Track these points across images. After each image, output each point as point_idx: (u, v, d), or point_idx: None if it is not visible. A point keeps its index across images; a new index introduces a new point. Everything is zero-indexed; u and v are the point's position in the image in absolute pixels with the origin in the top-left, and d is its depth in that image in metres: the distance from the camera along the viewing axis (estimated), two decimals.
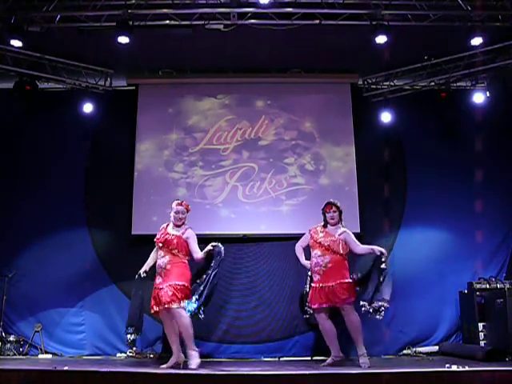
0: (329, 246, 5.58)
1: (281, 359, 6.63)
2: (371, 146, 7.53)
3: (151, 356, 6.61)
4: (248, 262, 7.16)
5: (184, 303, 5.16)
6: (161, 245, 5.41)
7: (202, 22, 6.35)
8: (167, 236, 5.43)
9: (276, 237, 7.17)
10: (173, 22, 6.34)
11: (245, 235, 7.20)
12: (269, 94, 7.70)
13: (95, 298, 7.04)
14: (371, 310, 5.44)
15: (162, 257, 5.36)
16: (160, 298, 5.20)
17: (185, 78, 7.75)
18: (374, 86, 7.73)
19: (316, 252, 5.61)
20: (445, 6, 6.13)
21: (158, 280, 5.33)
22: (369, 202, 7.33)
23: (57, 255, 7.07)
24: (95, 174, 7.43)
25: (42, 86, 7.37)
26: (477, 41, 6.24)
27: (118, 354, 6.79)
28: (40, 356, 6.67)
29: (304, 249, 5.89)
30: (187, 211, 5.59)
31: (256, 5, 6.11)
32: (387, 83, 7.65)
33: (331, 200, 5.82)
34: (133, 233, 7.14)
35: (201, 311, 5.23)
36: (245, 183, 7.39)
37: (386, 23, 6.10)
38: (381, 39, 6.13)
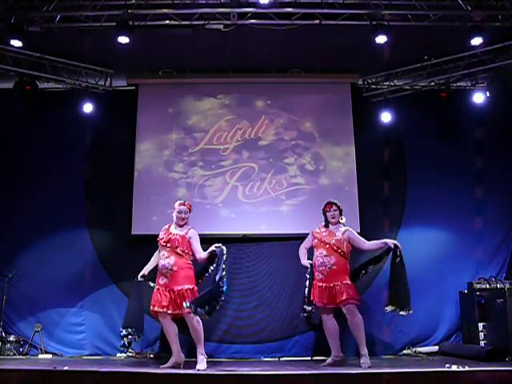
0: (334, 244, 5.60)
1: (281, 359, 6.63)
2: (371, 146, 7.53)
3: (151, 356, 6.61)
4: (248, 262, 7.16)
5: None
6: (164, 244, 5.40)
7: (202, 22, 6.35)
8: (171, 236, 5.42)
9: (276, 237, 7.17)
10: (173, 22, 6.33)
11: (245, 235, 7.20)
12: (269, 93, 7.69)
13: (95, 298, 7.04)
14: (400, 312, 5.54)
15: (167, 257, 5.34)
16: (176, 302, 5.20)
17: (185, 77, 7.75)
18: (374, 86, 7.72)
19: (321, 251, 5.62)
20: (445, 6, 6.13)
21: (163, 281, 5.31)
22: (369, 202, 7.33)
23: (57, 255, 7.07)
24: (95, 174, 7.43)
25: (42, 86, 7.37)
26: (477, 41, 6.23)
27: (118, 354, 6.79)
28: (40, 356, 6.67)
29: (308, 250, 5.88)
30: (190, 211, 5.59)
31: (256, 5, 6.11)
32: (387, 83, 7.65)
33: (331, 199, 5.82)
34: (133, 233, 7.14)
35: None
36: (245, 183, 7.39)
37: (386, 23, 6.09)
38: (381, 39, 6.12)
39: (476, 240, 7.24)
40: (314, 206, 6.94)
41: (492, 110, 7.30)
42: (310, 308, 5.68)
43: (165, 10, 6.22)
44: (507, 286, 6.34)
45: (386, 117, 7.45)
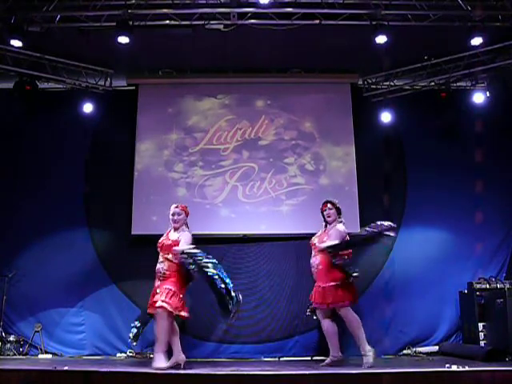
0: (315, 244, 5.61)
1: (281, 359, 6.63)
2: (371, 146, 7.53)
3: (151, 356, 6.57)
4: (248, 262, 7.16)
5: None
6: (159, 249, 5.38)
7: (202, 22, 6.35)
8: (164, 240, 5.33)
9: (276, 237, 7.18)
10: (173, 22, 6.34)
11: (245, 235, 7.21)
12: (269, 93, 7.70)
13: (95, 298, 7.04)
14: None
15: (161, 262, 5.26)
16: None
17: (185, 77, 7.76)
18: (374, 86, 7.73)
19: (312, 253, 5.64)
20: (445, 6, 6.13)
21: (157, 283, 5.24)
22: (369, 202, 7.32)
23: (57, 255, 7.07)
24: (95, 174, 7.43)
25: (42, 86, 7.37)
26: (477, 41, 6.24)
27: (118, 354, 6.80)
28: (40, 356, 6.67)
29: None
30: (185, 213, 5.44)
31: (256, 5, 6.12)
32: (387, 83, 7.65)
33: (328, 198, 5.83)
34: (133, 233, 7.14)
35: None
36: (245, 183, 7.39)
37: (386, 23, 6.10)
38: (381, 39, 6.13)
39: (476, 240, 7.24)
40: (314, 206, 6.92)
41: (492, 110, 7.30)
42: (310, 308, 5.68)
43: (165, 10, 6.23)
44: (507, 285, 6.34)
45: (386, 117, 7.45)
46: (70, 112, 7.34)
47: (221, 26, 6.51)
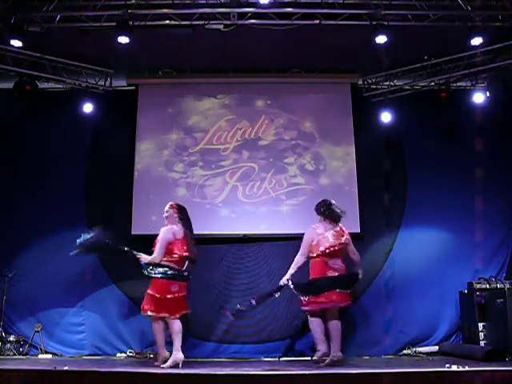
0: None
1: (281, 359, 6.62)
2: (371, 146, 7.53)
3: (151, 356, 6.59)
4: (248, 262, 7.16)
5: None
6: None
7: (202, 22, 6.35)
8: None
9: (276, 237, 7.17)
10: (173, 22, 6.33)
11: (245, 235, 7.20)
12: (269, 93, 7.70)
13: (95, 298, 7.04)
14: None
15: None
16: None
17: (185, 77, 7.75)
18: (374, 86, 7.73)
19: None
20: (445, 6, 6.13)
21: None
22: (369, 202, 7.33)
23: (57, 255, 7.04)
24: (95, 174, 7.43)
25: (42, 86, 7.37)
26: (477, 41, 6.23)
27: (118, 354, 6.80)
28: (40, 356, 6.67)
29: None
30: (173, 211, 5.65)
31: (256, 5, 6.11)
32: (387, 83, 7.65)
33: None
34: (133, 233, 7.14)
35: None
36: (245, 183, 7.39)
37: (386, 23, 6.09)
38: (381, 39, 6.12)
39: (476, 240, 7.24)
40: (313, 206, 6.95)
41: (492, 110, 7.30)
42: None
43: (165, 10, 6.22)
44: (507, 286, 6.33)
45: (385, 117, 7.45)
46: (70, 112, 7.34)
47: (221, 26, 6.51)
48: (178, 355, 5.32)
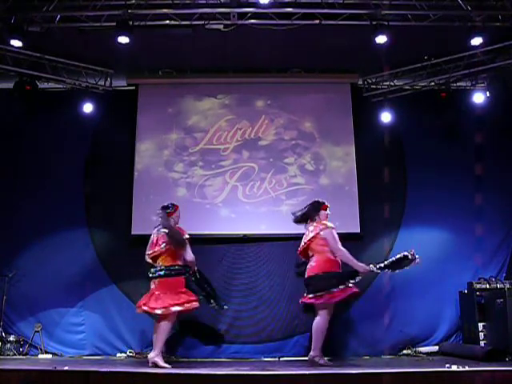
0: None
1: (281, 359, 6.62)
2: (371, 146, 7.53)
3: None
4: (248, 262, 7.16)
5: None
6: None
7: (202, 22, 6.35)
8: None
9: (276, 237, 7.17)
10: (173, 22, 6.33)
11: (245, 235, 7.20)
12: (269, 93, 7.70)
13: (95, 297, 7.03)
14: None
15: None
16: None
17: (185, 77, 7.75)
18: (374, 86, 7.73)
19: None
20: (445, 6, 6.13)
21: None
22: (369, 202, 7.33)
23: (57, 255, 7.07)
24: (95, 174, 7.43)
25: (42, 86, 7.37)
26: (477, 41, 6.23)
27: (118, 354, 6.79)
28: (40, 356, 6.67)
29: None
30: (162, 209, 5.80)
31: (256, 5, 6.11)
32: (387, 83, 7.65)
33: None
34: (133, 233, 7.14)
35: None
36: (245, 183, 7.39)
37: (386, 23, 6.09)
38: (381, 39, 6.12)
39: (476, 240, 7.23)
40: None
41: (492, 110, 7.30)
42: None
43: (165, 10, 6.22)
44: (507, 286, 6.33)
45: (386, 117, 7.45)
46: (70, 112, 7.34)
47: (221, 26, 6.51)
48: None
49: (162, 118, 7.60)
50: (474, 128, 7.48)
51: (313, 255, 5.74)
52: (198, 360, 6.51)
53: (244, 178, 7.41)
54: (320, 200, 6.04)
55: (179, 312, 5.44)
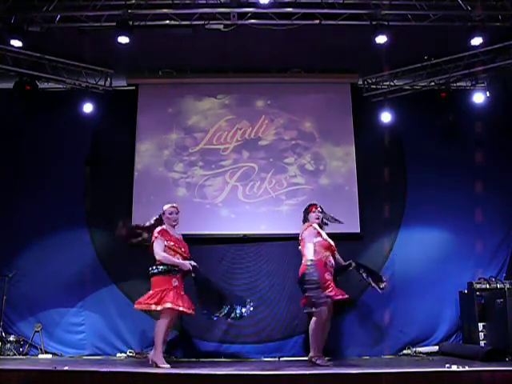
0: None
1: (281, 359, 6.62)
2: (371, 146, 7.53)
3: None
4: (248, 262, 7.16)
5: None
6: (182, 249, 5.63)
7: (202, 22, 6.35)
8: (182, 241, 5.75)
9: (276, 237, 7.17)
10: (173, 22, 6.33)
11: (245, 235, 7.20)
12: (269, 93, 7.70)
13: (95, 298, 7.03)
14: None
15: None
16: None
17: (185, 77, 7.75)
18: (374, 86, 7.73)
19: (328, 253, 5.73)
20: (445, 6, 6.13)
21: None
22: (369, 202, 7.33)
23: (57, 255, 7.07)
24: (95, 174, 7.42)
25: (42, 86, 7.37)
26: (477, 41, 6.23)
27: (118, 354, 6.79)
28: (40, 356, 6.67)
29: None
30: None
31: (256, 5, 6.11)
32: (387, 83, 7.65)
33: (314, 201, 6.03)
34: None
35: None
36: (245, 183, 7.39)
37: (386, 23, 6.09)
38: (381, 39, 6.13)
39: (476, 240, 7.23)
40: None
41: (492, 110, 7.30)
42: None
43: (165, 10, 6.22)
44: (507, 285, 6.33)
45: (386, 117, 7.45)
46: (70, 112, 7.34)
47: (221, 26, 6.51)
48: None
49: (162, 118, 7.60)
50: (474, 128, 7.47)
51: (302, 258, 5.74)
52: (198, 360, 6.52)
53: (244, 178, 7.41)
54: (311, 202, 6.04)
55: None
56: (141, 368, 5.04)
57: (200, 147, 7.52)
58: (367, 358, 6.64)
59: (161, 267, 5.40)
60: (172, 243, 5.50)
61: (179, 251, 5.50)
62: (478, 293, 6.52)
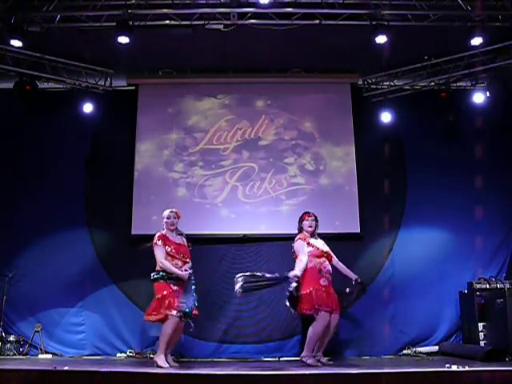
0: (327, 252, 5.77)
1: (281, 359, 6.62)
2: (371, 146, 7.53)
3: (151, 356, 6.59)
4: (249, 262, 7.15)
5: None
6: (181, 255, 5.57)
7: (202, 22, 6.35)
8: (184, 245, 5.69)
9: (276, 237, 7.16)
10: (173, 22, 6.33)
11: (245, 235, 7.20)
12: (269, 93, 7.70)
13: (95, 298, 7.04)
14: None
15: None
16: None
17: (185, 77, 7.75)
18: (374, 86, 7.73)
19: (323, 259, 5.67)
20: (445, 6, 6.13)
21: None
22: (369, 202, 7.33)
23: (57, 255, 7.07)
24: (95, 174, 7.43)
25: (42, 86, 7.37)
26: (477, 41, 6.23)
27: (118, 354, 6.80)
28: (40, 356, 6.67)
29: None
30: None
31: (256, 5, 6.11)
32: (387, 83, 7.65)
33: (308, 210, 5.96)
34: (133, 233, 7.14)
35: None
36: (245, 183, 7.40)
37: (386, 23, 6.09)
38: (381, 39, 6.12)
39: (476, 240, 7.24)
40: (313, 206, 6.92)
41: (492, 110, 7.30)
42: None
43: (165, 10, 6.22)
44: (507, 285, 6.33)
45: (385, 117, 7.45)
46: (70, 112, 7.34)
47: (221, 26, 6.51)
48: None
49: (162, 118, 7.60)
50: (474, 128, 7.48)
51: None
52: (198, 360, 6.52)
53: (244, 178, 7.41)
54: (305, 211, 5.97)
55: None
56: (141, 368, 5.05)
57: (200, 147, 7.52)
58: (367, 357, 6.64)
59: (161, 273, 5.41)
60: (170, 248, 5.48)
61: (178, 257, 5.50)
62: (478, 293, 6.52)
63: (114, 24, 6.10)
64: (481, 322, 6.40)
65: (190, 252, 5.66)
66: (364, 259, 7.09)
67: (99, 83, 7.52)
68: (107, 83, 7.57)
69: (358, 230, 7.18)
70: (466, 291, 6.77)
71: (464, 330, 6.82)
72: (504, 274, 7.09)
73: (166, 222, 5.62)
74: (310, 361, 5.43)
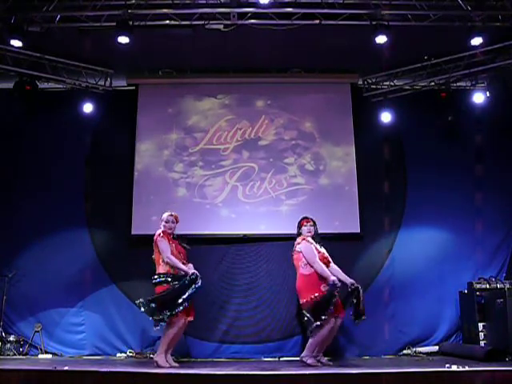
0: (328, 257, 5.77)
1: (281, 359, 6.62)
2: (371, 146, 7.53)
3: (151, 356, 6.59)
4: (249, 262, 7.16)
5: None
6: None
7: (202, 22, 6.35)
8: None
9: (276, 237, 7.16)
10: (173, 22, 6.34)
11: (245, 235, 7.20)
12: (269, 93, 7.70)
13: (95, 298, 7.04)
14: None
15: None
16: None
17: (185, 77, 7.75)
18: (374, 86, 7.73)
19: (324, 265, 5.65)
20: (445, 6, 6.13)
21: None
22: (369, 202, 7.33)
23: (57, 255, 7.07)
24: (95, 174, 7.43)
25: (42, 86, 7.37)
26: (477, 41, 6.23)
27: (118, 354, 6.80)
28: (40, 356, 6.67)
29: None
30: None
31: (256, 5, 6.11)
32: (387, 83, 7.65)
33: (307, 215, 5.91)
34: (133, 233, 7.14)
35: None
36: (245, 183, 7.39)
37: (386, 23, 6.09)
38: (381, 39, 6.12)
39: (476, 240, 7.24)
40: (313, 206, 6.98)
41: (492, 110, 7.30)
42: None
43: (165, 10, 6.22)
44: (507, 286, 6.33)
45: (385, 117, 7.45)
46: (70, 112, 7.34)
47: (221, 26, 6.51)
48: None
49: (162, 118, 7.60)
50: (474, 128, 7.49)
51: (296, 270, 5.73)
52: (198, 360, 6.52)
53: (244, 178, 7.41)
54: (303, 216, 5.92)
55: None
56: (141, 368, 5.05)
57: (200, 147, 7.52)
58: (367, 357, 6.64)
59: (162, 277, 5.41)
60: (172, 247, 5.50)
61: (179, 256, 5.51)
62: (478, 293, 6.52)
63: (114, 24, 6.10)
64: (481, 322, 6.41)
65: (186, 255, 5.67)
66: (364, 259, 7.09)
67: (99, 83, 7.52)
68: (107, 83, 7.57)
69: (358, 230, 7.18)
70: (465, 291, 6.77)
71: (464, 330, 6.82)
72: (504, 274, 7.09)
73: (164, 226, 5.62)
74: (310, 361, 5.43)
